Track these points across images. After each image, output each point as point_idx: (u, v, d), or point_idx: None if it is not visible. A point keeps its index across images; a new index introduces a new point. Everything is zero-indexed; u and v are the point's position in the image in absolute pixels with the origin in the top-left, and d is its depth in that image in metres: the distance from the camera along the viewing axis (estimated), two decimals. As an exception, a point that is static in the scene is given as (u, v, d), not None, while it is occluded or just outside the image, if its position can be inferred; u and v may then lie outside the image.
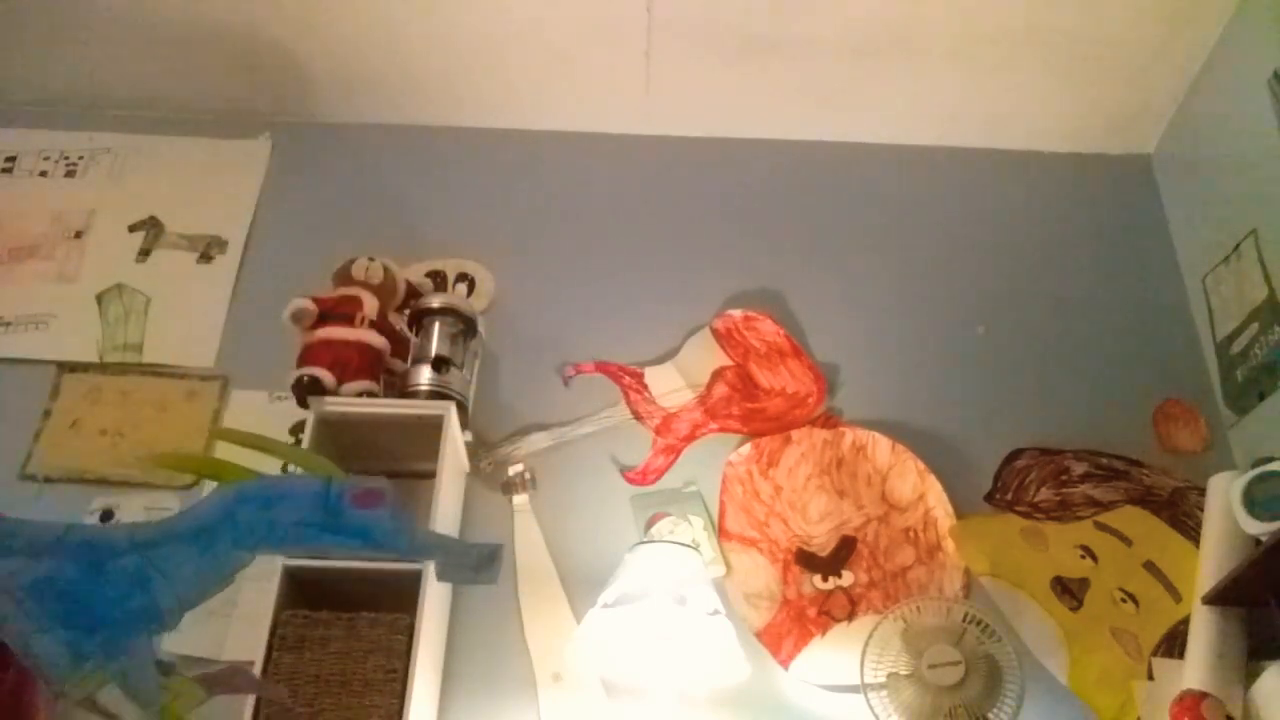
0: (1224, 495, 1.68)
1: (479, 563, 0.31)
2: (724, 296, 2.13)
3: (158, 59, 2.26)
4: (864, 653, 1.61)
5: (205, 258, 2.19)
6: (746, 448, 1.93)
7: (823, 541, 1.84)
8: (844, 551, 1.83)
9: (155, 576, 0.28)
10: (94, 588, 0.28)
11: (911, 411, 1.98)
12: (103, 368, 2.04)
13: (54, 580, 0.28)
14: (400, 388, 1.84)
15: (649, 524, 1.82)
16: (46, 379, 2.02)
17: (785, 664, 1.72)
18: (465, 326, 1.89)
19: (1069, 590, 1.77)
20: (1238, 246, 1.94)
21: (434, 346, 1.84)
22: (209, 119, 2.37)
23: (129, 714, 0.30)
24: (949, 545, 1.83)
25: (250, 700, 1.51)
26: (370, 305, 1.83)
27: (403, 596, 1.53)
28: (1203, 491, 1.79)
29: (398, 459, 1.82)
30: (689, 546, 1.62)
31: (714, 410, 1.98)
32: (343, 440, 1.80)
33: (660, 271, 2.17)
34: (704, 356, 2.05)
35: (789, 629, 1.75)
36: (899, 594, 1.77)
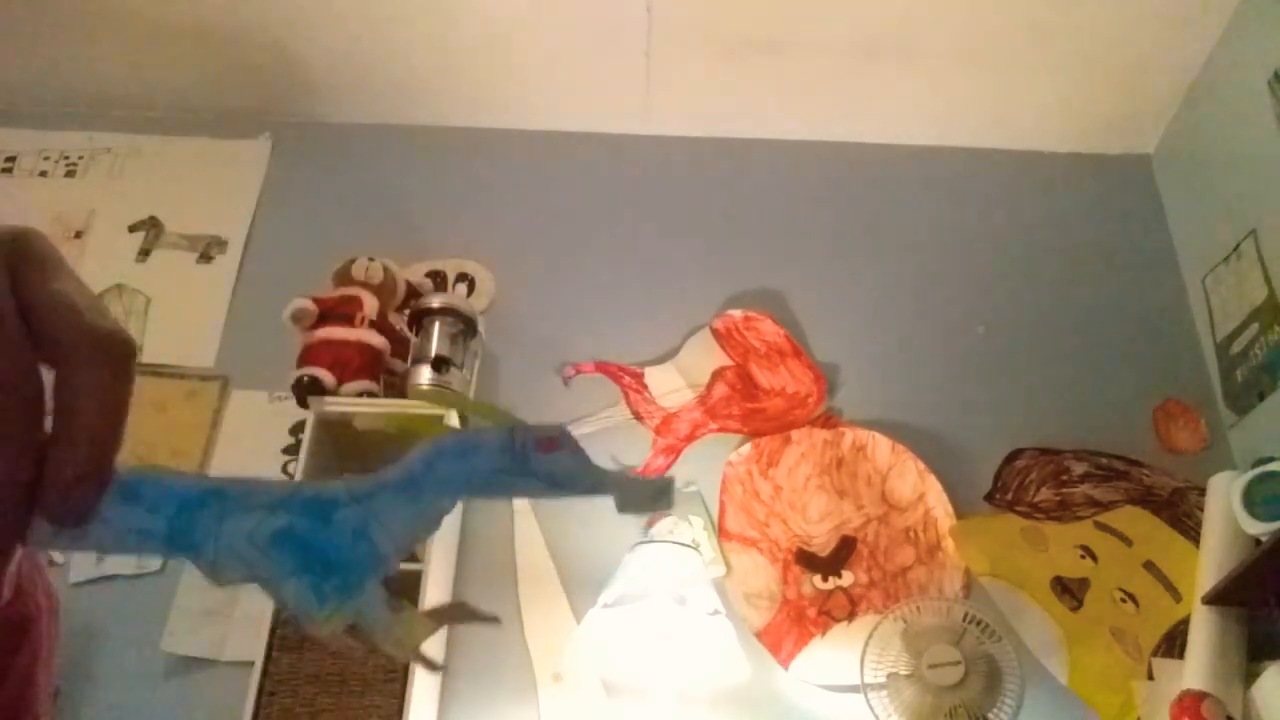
0: (1224, 495, 1.69)
1: (655, 494, 0.32)
2: (724, 296, 2.13)
3: (158, 59, 2.26)
4: (864, 653, 1.61)
5: (205, 258, 2.19)
6: (746, 448, 1.93)
7: (823, 541, 1.84)
8: (844, 551, 1.83)
9: (374, 525, 0.31)
10: (325, 537, 0.30)
11: (911, 411, 1.98)
12: (103, 368, 2.04)
13: (292, 532, 0.30)
14: (400, 388, 1.83)
15: (649, 524, 1.82)
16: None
17: (785, 664, 1.72)
18: (465, 326, 1.88)
19: (1069, 590, 1.77)
20: (1238, 246, 1.94)
21: (434, 346, 1.84)
22: (209, 119, 2.37)
23: (377, 635, 0.33)
24: (949, 545, 1.83)
25: (250, 699, 1.51)
26: (370, 305, 1.83)
27: (403, 596, 1.53)
28: (1203, 491, 1.80)
29: (398, 459, 1.81)
30: (689, 546, 1.62)
31: (714, 410, 1.98)
32: (343, 440, 1.80)
33: (660, 271, 2.17)
34: (704, 356, 2.05)
35: (789, 629, 1.75)
36: (899, 594, 1.77)
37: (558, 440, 0.34)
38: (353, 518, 0.32)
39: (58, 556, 1.77)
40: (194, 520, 0.33)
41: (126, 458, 0.33)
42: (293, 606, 0.32)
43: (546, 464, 0.33)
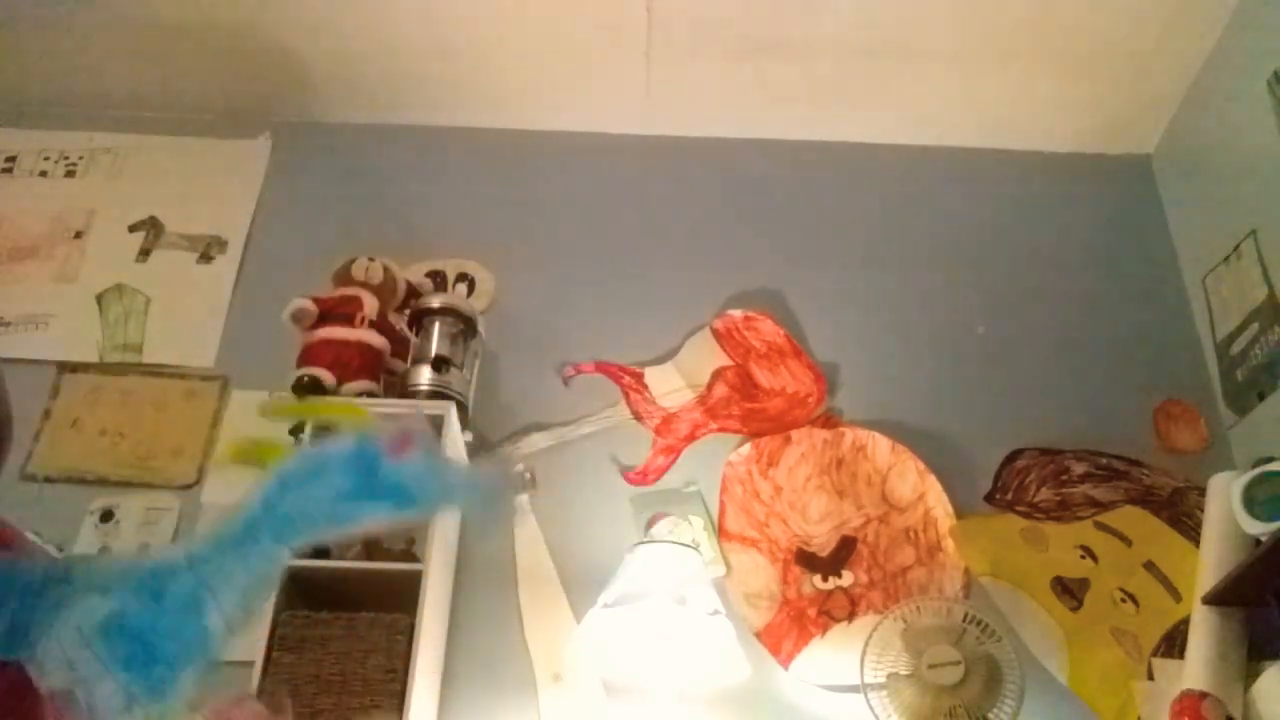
0: (1224, 495, 1.69)
1: (506, 486, 0.31)
2: (724, 296, 2.13)
3: (158, 59, 2.26)
4: (864, 653, 1.61)
5: (205, 258, 2.19)
6: (746, 448, 1.93)
7: (823, 541, 1.84)
8: (844, 551, 1.83)
9: (205, 596, 0.27)
10: (154, 620, 0.26)
11: (911, 411, 1.98)
12: (103, 368, 2.04)
13: (121, 618, 0.26)
14: (400, 388, 1.84)
15: (649, 524, 1.82)
16: (46, 379, 2.02)
17: (785, 664, 1.72)
18: (465, 326, 1.89)
19: (1069, 590, 1.77)
20: (1238, 246, 1.94)
21: (434, 346, 1.84)
22: (209, 119, 2.37)
23: None
24: (949, 545, 1.83)
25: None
26: (370, 305, 1.83)
27: (403, 596, 1.53)
28: (1203, 491, 1.80)
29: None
30: (689, 546, 1.62)
31: (714, 410, 1.98)
32: (343, 440, 1.80)
33: (660, 271, 2.17)
34: (704, 356, 2.05)
35: (789, 629, 1.75)
36: (899, 594, 1.77)
37: (409, 438, 0.32)
38: (185, 590, 0.29)
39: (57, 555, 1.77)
40: (34, 611, 0.29)
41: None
42: (100, 711, 0.29)
43: (395, 473, 0.31)
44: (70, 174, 2.30)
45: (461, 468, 0.32)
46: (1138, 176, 2.30)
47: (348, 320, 1.80)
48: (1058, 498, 1.88)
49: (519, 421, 1.96)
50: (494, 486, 0.30)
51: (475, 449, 1.90)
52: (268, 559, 0.28)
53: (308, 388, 1.72)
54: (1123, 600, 1.75)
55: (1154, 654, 1.69)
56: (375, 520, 0.29)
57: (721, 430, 1.96)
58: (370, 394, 1.78)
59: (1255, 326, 1.87)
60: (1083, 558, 1.81)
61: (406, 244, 2.14)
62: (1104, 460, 1.91)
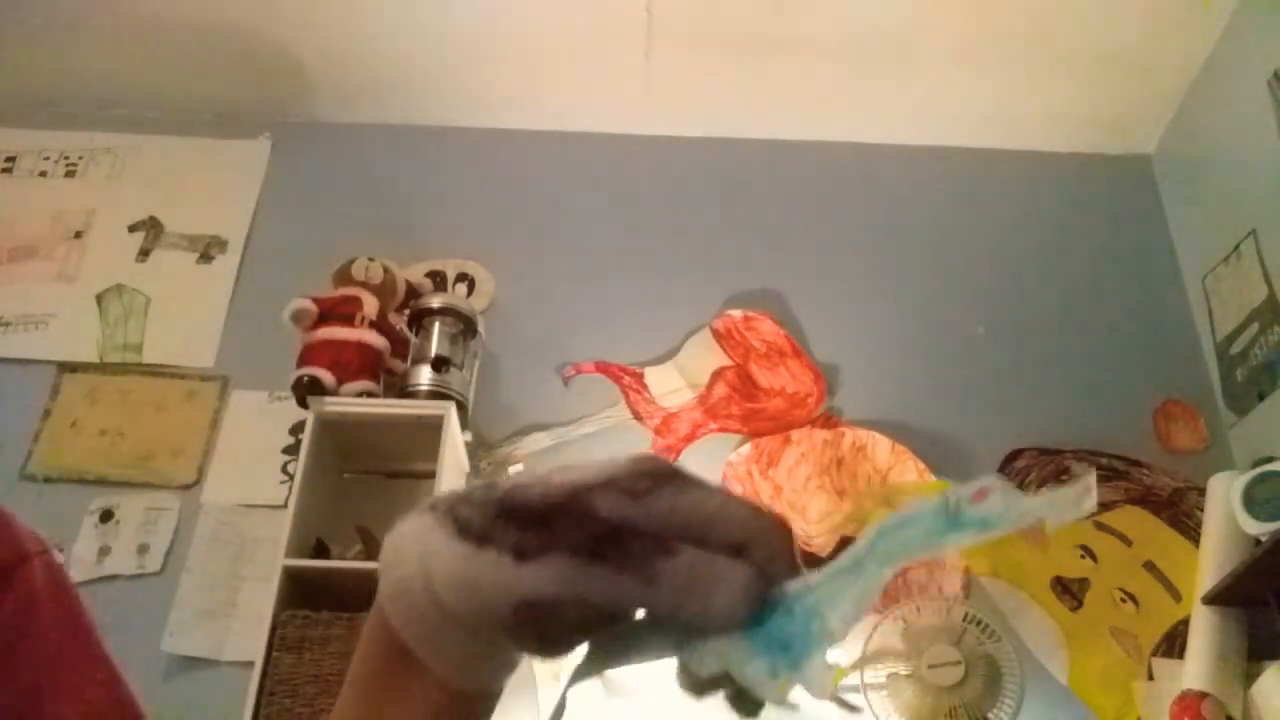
0: (1224, 495, 1.69)
1: (1079, 497, 0.32)
2: (724, 296, 2.13)
3: (158, 59, 2.26)
4: (864, 653, 1.61)
5: (205, 258, 2.19)
6: (746, 448, 1.93)
7: (823, 542, 1.84)
8: (844, 551, 1.83)
9: (827, 608, 0.34)
10: (787, 626, 0.34)
11: (911, 411, 1.98)
12: (103, 368, 2.04)
13: (764, 628, 0.34)
14: (400, 388, 1.84)
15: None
16: (46, 379, 2.02)
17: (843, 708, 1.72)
18: (465, 326, 1.89)
19: (1069, 590, 1.77)
20: (1238, 246, 1.94)
21: (434, 346, 1.84)
22: (209, 119, 2.37)
23: (814, 690, 0.36)
24: (949, 545, 1.83)
25: (250, 699, 1.51)
26: (370, 305, 1.83)
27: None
28: (1203, 491, 1.80)
29: (398, 459, 1.82)
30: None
31: (714, 410, 1.98)
32: (343, 440, 1.80)
33: (660, 271, 2.17)
34: (704, 356, 2.05)
35: (789, 629, 1.75)
36: (899, 594, 1.77)
37: (988, 489, 0.36)
38: (810, 606, 0.35)
39: (56, 553, 1.77)
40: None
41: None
42: (751, 681, 0.35)
43: (979, 511, 0.35)
44: (70, 174, 2.30)
45: (1029, 499, 0.34)
46: (1138, 176, 2.30)
47: (348, 320, 1.80)
48: (1058, 498, 1.88)
49: (519, 421, 1.96)
50: (1065, 501, 0.33)
51: (475, 449, 1.90)
52: (872, 579, 0.33)
53: (308, 388, 1.73)
54: (1123, 600, 1.75)
55: (1154, 654, 1.69)
56: (959, 545, 0.35)
57: (721, 430, 1.96)
58: (370, 394, 1.78)
59: (1255, 326, 1.87)
60: (1083, 558, 1.81)
61: (406, 244, 2.14)
62: (1104, 460, 1.91)
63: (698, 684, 0.37)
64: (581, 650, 0.39)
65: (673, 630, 0.37)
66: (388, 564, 0.37)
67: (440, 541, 0.36)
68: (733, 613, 0.34)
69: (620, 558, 0.34)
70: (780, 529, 0.36)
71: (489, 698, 0.40)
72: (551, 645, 0.37)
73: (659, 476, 0.36)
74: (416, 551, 0.36)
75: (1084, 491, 0.34)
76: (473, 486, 0.37)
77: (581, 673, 0.39)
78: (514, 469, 1.89)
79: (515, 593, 0.34)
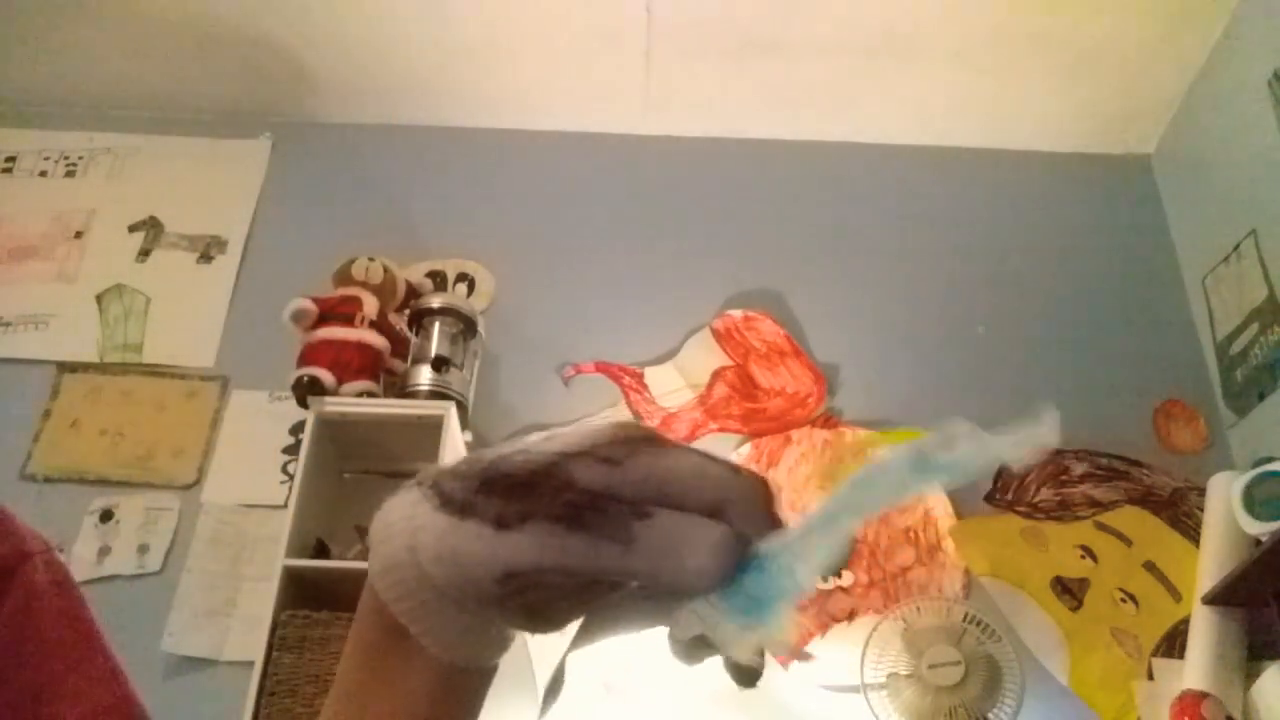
0: (1224, 495, 1.69)
1: (1042, 431, 0.33)
2: (724, 296, 2.13)
3: (158, 59, 2.26)
4: (864, 653, 1.61)
5: (205, 258, 2.19)
6: (746, 448, 1.93)
7: (823, 541, 1.84)
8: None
9: (799, 564, 0.34)
10: (760, 583, 0.34)
11: (911, 411, 1.98)
12: (103, 368, 2.04)
13: (740, 586, 0.35)
14: (400, 388, 1.84)
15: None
16: (46, 379, 2.02)
17: (785, 664, 1.72)
18: (465, 326, 1.89)
19: (1069, 590, 1.77)
20: (1238, 246, 1.94)
21: (434, 346, 1.84)
22: (209, 119, 2.37)
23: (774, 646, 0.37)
24: (949, 545, 1.83)
25: (250, 699, 1.51)
26: (370, 305, 1.83)
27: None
28: (1203, 491, 1.80)
29: (398, 459, 1.82)
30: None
31: (714, 410, 1.98)
32: (343, 440, 1.80)
33: (660, 272, 2.17)
34: (704, 356, 2.05)
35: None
36: (899, 594, 1.77)
37: (957, 435, 0.36)
38: (783, 562, 0.35)
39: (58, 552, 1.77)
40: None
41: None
42: (722, 639, 0.35)
43: (948, 457, 0.36)
44: (70, 174, 2.30)
45: (1001, 438, 0.35)
46: (1138, 176, 2.30)
47: (348, 320, 1.80)
48: (1058, 498, 1.88)
49: (519, 421, 1.96)
50: (1029, 437, 0.35)
51: (475, 449, 1.90)
52: (843, 530, 0.34)
53: (308, 388, 1.73)
54: (1123, 600, 1.75)
55: (1154, 654, 1.69)
56: (930, 490, 0.36)
57: (721, 430, 1.96)
58: (370, 394, 1.78)
59: (1255, 326, 1.87)
60: (1083, 558, 1.81)
61: (406, 244, 2.14)
62: (1104, 460, 1.91)
63: (684, 649, 0.37)
64: (574, 626, 0.39)
65: (659, 596, 0.37)
66: (376, 540, 0.37)
67: (425, 515, 0.36)
68: (706, 571, 0.34)
69: (598, 523, 0.34)
70: (758, 485, 0.36)
71: (484, 673, 0.40)
72: (539, 618, 0.37)
73: (636, 441, 0.36)
74: (402, 527, 0.36)
75: (1047, 425, 0.34)
76: (460, 460, 0.38)
77: (576, 642, 0.39)
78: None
79: (497, 562, 0.34)
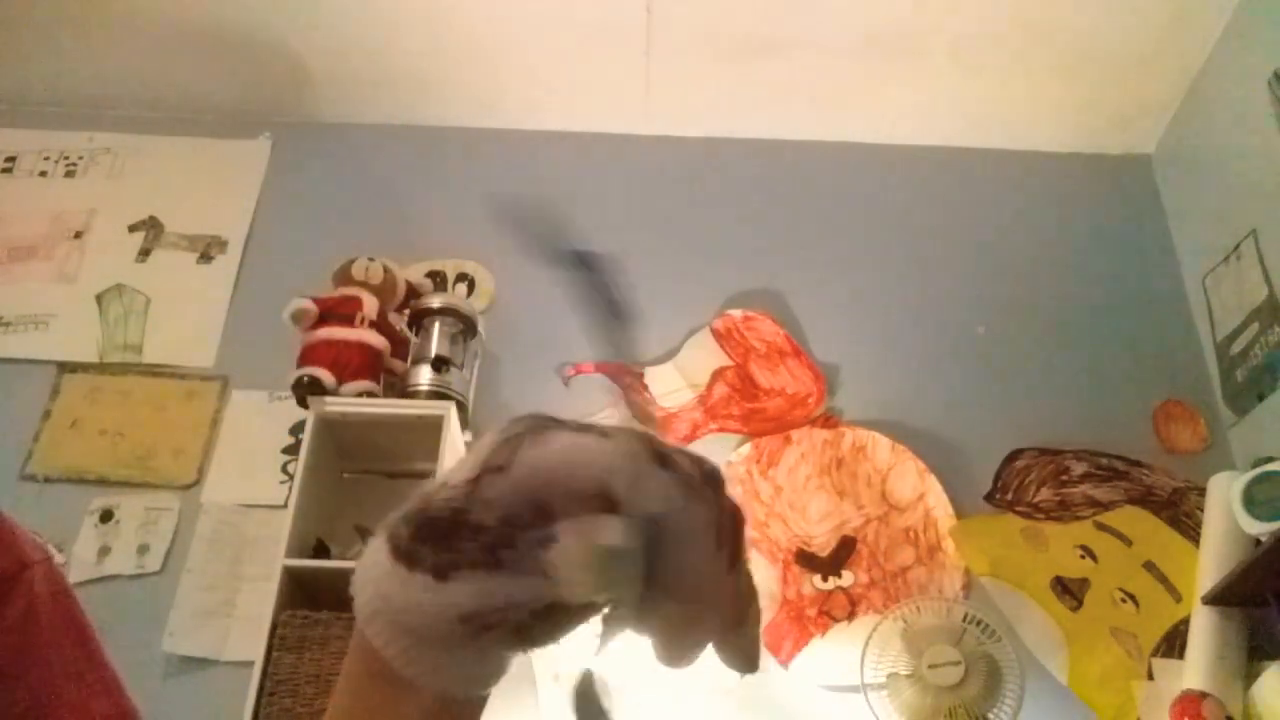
0: (1224, 495, 1.69)
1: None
2: (724, 296, 2.13)
3: (158, 59, 2.26)
4: (864, 653, 1.61)
5: (205, 258, 2.19)
6: (746, 448, 1.93)
7: (823, 542, 1.84)
8: (844, 552, 1.83)
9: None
10: None
11: (911, 411, 1.98)
12: (103, 368, 2.04)
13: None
14: (400, 388, 1.84)
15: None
16: (46, 379, 2.02)
17: (785, 664, 1.72)
18: (465, 326, 1.89)
19: (1069, 590, 1.77)
20: (1238, 246, 1.94)
21: (434, 346, 1.84)
22: (209, 119, 2.37)
23: None
24: (949, 545, 1.83)
25: (250, 699, 1.51)
26: (370, 305, 1.83)
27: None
28: (1203, 491, 1.80)
29: (398, 459, 1.82)
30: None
31: (714, 410, 1.98)
32: (343, 440, 1.80)
33: (660, 271, 2.17)
34: (704, 356, 2.05)
35: (789, 629, 1.75)
36: (899, 594, 1.77)
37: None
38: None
39: (57, 554, 1.77)
40: None
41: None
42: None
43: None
44: (70, 174, 2.30)
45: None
46: (1138, 176, 2.30)
47: (348, 320, 1.80)
48: (1058, 498, 1.88)
49: (519, 421, 1.96)
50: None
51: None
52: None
53: (308, 388, 1.73)
54: (1123, 600, 1.75)
55: (1154, 654, 1.69)
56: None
57: (721, 430, 1.96)
58: (370, 394, 1.78)
59: (1255, 326, 1.87)
60: (1083, 558, 1.81)
61: (406, 244, 2.14)
62: (1104, 460, 1.91)
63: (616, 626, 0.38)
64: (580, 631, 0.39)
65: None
66: (356, 588, 0.38)
67: (386, 564, 0.36)
68: (598, 582, 0.34)
69: (513, 560, 0.35)
70: (633, 444, 0.36)
71: (479, 701, 0.40)
72: (524, 640, 0.37)
73: (515, 440, 0.37)
74: (370, 575, 0.37)
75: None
76: (410, 498, 0.38)
77: (606, 637, 0.39)
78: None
79: (450, 609, 0.35)
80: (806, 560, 1.82)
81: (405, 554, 0.36)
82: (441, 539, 0.35)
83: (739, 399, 1.98)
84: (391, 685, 0.38)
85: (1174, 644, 1.68)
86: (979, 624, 1.59)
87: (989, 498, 1.89)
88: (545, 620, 0.37)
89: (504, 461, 0.36)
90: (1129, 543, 1.81)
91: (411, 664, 0.37)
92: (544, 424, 0.37)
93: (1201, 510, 1.78)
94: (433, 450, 1.70)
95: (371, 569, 0.37)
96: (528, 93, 2.30)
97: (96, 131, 2.35)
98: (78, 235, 2.21)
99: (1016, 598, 1.77)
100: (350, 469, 1.88)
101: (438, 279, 2.13)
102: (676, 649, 0.38)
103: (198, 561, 1.82)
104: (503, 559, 0.35)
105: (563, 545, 0.35)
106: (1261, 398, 1.83)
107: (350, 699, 0.40)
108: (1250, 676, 1.56)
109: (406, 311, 1.92)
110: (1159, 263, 2.18)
